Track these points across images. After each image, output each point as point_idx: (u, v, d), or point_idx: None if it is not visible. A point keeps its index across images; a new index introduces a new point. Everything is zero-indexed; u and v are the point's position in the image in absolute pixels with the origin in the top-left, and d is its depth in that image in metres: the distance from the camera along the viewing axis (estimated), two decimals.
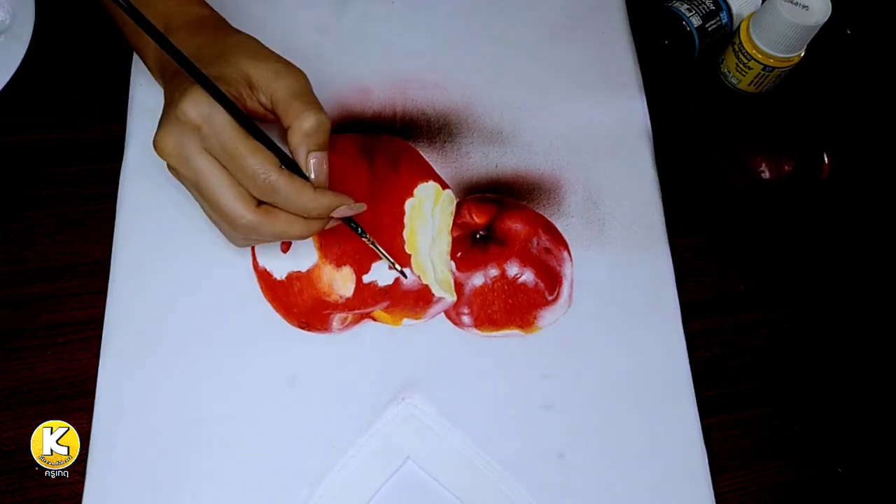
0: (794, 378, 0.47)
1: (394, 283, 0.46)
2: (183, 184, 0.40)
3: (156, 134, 0.38)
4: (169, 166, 0.39)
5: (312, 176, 0.39)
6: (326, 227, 0.41)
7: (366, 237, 0.43)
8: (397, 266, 0.45)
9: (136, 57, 0.49)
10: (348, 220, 0.43)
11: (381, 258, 0.45)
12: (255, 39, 0.42)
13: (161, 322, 0.43)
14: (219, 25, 0.44)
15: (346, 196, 0.40)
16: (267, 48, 0.41)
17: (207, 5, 0.45)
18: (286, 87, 0.39)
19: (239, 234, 0.39)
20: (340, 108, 0.51)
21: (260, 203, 0.38)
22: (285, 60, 0.40)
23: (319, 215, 0.39)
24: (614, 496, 0.42)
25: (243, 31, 0.43)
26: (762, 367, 0.47)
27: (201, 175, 0.37)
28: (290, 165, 0.39)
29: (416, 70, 0.53)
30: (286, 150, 0.39)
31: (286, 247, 0.46)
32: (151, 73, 0.46)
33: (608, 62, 0.55)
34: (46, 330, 0.43)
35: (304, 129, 0.38)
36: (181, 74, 0.39)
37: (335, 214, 0.40)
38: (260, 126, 0.39)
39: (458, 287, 0.46)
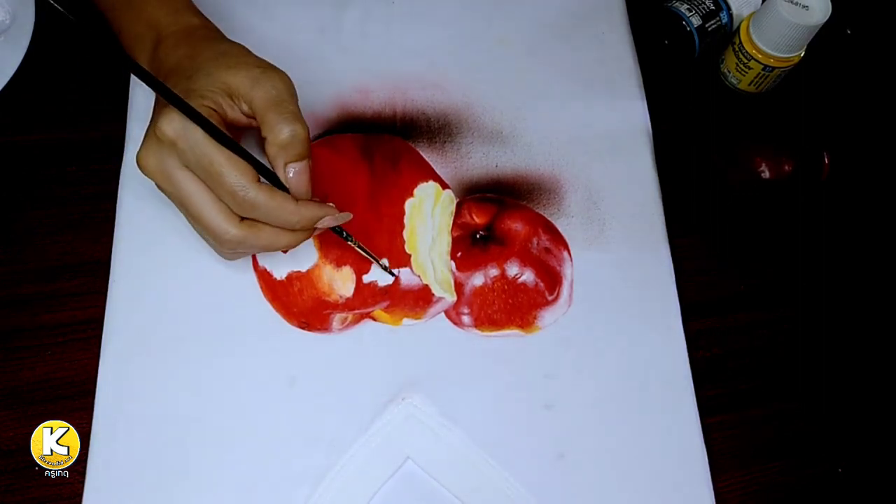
0: (794, 378, 0.47)
1: (394, 282, 0.46)
2: (170, 200, 0.40)
3: (137, 152, 0.38)
4: (156, 184, 0.39)
5: (291, 188, 0.38)
6: (314, 235, 0.41)
7: (351, 240, 0.43)
8: (386, 266, 0.45)
9: None
10: (337, 231, 0.43)
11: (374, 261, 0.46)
12: (240, 47, 0.41)
13: (161, 322, 0.43)
14: (207, 35, 0.43)
15: (330, 206, 0.40)
16: (250, 55, 0.41)
17: (199, 14, 0.45)
18: (263, 96, 0.38)
19: (226, 249, 0.39)
20: (340, 108, 0.51)
21: (244, 217, 0.38)
22: (265, 65, 0.40)
23: (303, 227, 0.39)
24: (614, 496, 0.42)
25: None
26: (762, 367, 0.47)
27: (183, 192, 0.37)
28: (272, 176, 0.39)
29: (416, 70, 0.53)
30: (267, 162, 0.39)
31: None
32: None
33: (608, 62, 0.55)
34: (46, 330, 0.43)
35: (279, 142, 0.38)
36: None
37: (319, 225, 0.39)
38: (246, 134, 0.38)
39: (458, 287, 0.46)
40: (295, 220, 0.38)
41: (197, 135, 0.36)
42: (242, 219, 0.38)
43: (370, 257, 0.45)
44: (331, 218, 0.40)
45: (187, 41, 0.42)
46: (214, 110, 0.38)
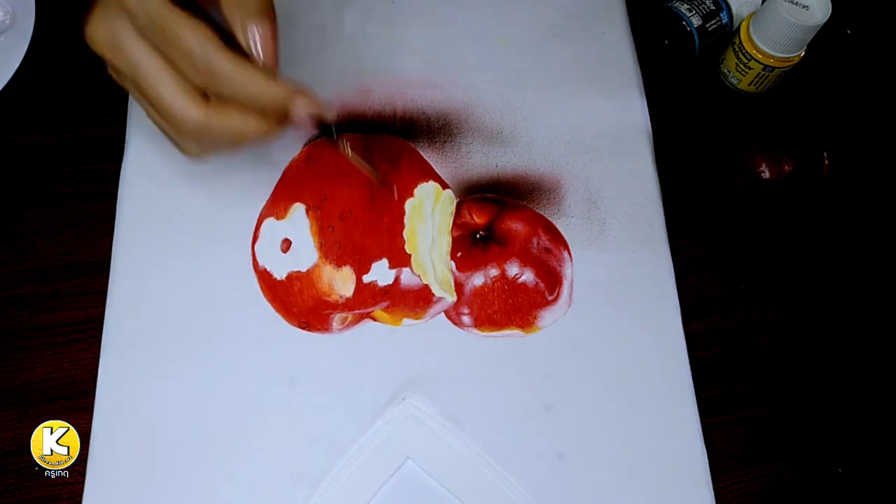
0: (794, 378, 0.47)
1: (394, 282, 0.46)
2: (123, 85, 0.35)
3: (85, 23, 0.34)
4: (108, 65, 0.34)
5: (253, 50, 0.33)
6: (291, 128, 0.36)
7: (343, 145, 0.40)
8: (378, 177, 0.43)
9: None
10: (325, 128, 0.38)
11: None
12: None
13: (161, 322, 0.43)
14: None
15: (306, 88, 0.34)
16: None
17: None
18: None
19: (189, 139, 0.34)
20: (340, 107, 0.51)
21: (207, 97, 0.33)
22: None
23: (274, 106, 0.33)
24: (614, 496, 0.42)
25: None
26: (762, 367, 0.47)
27: (138, 65, 0.33)
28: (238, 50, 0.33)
29: (416, 70, 0.53)
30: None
31: (286, 246, 0.46)
32: None
33: (608, 62, 0.55)
34: (46, 330, 0.43)
35: None
36: None
37: (298, 110, 0.34)
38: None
39: (458, 287, 0.46)
40: (262, 92, 0.32)
41: None
42: (206, 102, 0.33)
43: (367, 170, 0.42)
44: (306, 101, 0.33)
45: None
46: None
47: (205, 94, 0.33)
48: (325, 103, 0.35)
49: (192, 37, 0.31)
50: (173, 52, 0.32)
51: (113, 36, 0.33)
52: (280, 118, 0.34)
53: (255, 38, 0.33)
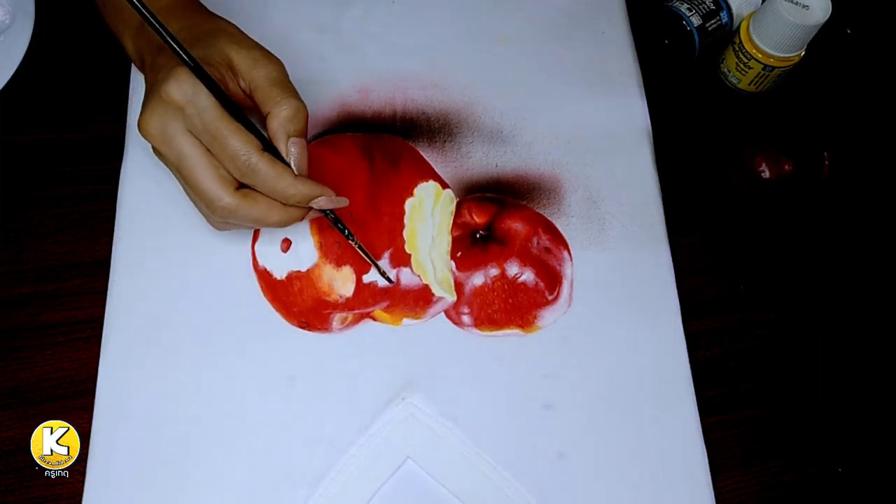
0: (794, 378, 0.47)
1: (394, 282, 0.46)
2: (166, 165, 0.40)
3: (140, 115, 0.38)
4: (153, 148, 0.39)
5: (292, 161, 0.39)
6: (305, 218, 0.41)
7: (352, 240, 0.43)
8: (381, 269, 0.45)
9: None
10: (335, 221, 0.43)
11: (373, 258, 0.46)
12: (233, 25, 0.42)
13: (161, 322, 0.43)
14: (197, 9, 0.44)
15: (327, 188, 0.40)
16: (248, 36, 0.41)
17: None
18: (265, 75, 0.39)
19: (217, 217, 0.39)
20: (340, 107, 0.51)
21: (240, 187, 0.38)
22: (263, 48, 0.41)
23: (298, 202, 0.39)
24: (614, 496, 0.42)
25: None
26: (762, 367, 0.47)
27: (183, 156, 0.38)
28: (271, 152, 0.39)
29: (416, 70, 0.53)
30: (267, 137, 0.39)
31: (286, 246, 0.46)
32: (130, 58, 0.47)
33: (608, 62, 0.55)
34: (46, 330, 0.43)
35: (283, 115, 0.38)
36: (163, 56, 0.40)
37: (315, 205, 0.39)
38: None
39: (458, 287, 0.46)
40: (291, 193, 0.38)
41: (205, 100, 0.37)
42: (238, 189, 0.38)
43: (369, 259, 0.45)
44: (326, 199, 0.39)
45: (178, 14, 0.42)
46: (219, 80, 0.38)
47: (237, 184, 0.38)
48: (339, 199, 0.40)
49: (238, 141, 0.37)
50: (218, 151, 0.37)
51: (165, 129, 0.38)
52: (301, 211, 0.40)
53: (292, 151, 0.39)
